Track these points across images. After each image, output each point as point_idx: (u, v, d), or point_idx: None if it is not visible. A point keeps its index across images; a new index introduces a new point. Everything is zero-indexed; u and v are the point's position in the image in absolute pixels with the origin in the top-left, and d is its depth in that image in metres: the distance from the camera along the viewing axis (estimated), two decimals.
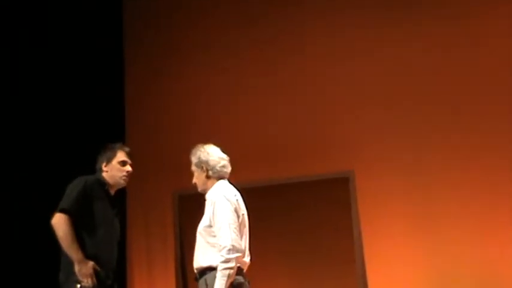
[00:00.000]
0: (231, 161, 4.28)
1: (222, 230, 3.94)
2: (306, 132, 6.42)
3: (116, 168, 4.31)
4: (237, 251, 3.90)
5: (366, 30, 6.48)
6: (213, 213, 4.02)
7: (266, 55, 6.69)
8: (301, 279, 6.15)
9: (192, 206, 5.92)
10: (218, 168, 4.20)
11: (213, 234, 4.00)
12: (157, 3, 7.12)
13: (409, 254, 6.00)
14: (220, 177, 4.20)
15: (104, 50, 6.61)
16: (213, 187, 4.17)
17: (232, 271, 3.86)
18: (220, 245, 3.91)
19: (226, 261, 3.86)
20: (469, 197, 5.93)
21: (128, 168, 4.35)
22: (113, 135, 5.71)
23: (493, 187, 5.90)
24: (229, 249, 3.88)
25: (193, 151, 4.26)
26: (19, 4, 6.18)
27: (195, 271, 4.09)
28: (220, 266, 3.86)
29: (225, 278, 3.83)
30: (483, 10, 6.22)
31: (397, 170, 6.17)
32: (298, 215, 6.25)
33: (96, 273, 3.98)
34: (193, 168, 4.25)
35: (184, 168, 4.52)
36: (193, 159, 4.24)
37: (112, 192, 4.35)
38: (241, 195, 4.18)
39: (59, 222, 3.98)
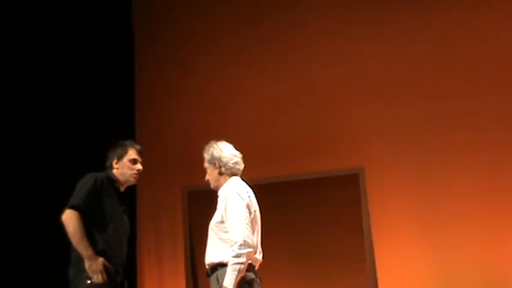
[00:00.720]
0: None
1: (234, 226, 3.95)
2: (315, 129, 6.42)
3: (126, 166, 4.32)
4: (249, 246, 3.90)
5: (374, 27, 6.48)
6: (225, 209, 4.04)
7: (275, 51, 6.70)
8: (311, 276, 6.14)
9: (201, 203, 5.97)
10: (231, 165, 4.21)
11: (225, 230, 4.01)
12: (167, 2, 7.12)
13: (419, 251, 6.00)
14: (233, 174, 4.22)
15: (113, 48, 6.63)
16: (225, 184, 4.18)
17: (242, 266, 3.86)
18: (232, 241, 3.92)
19: (237, 256, 3.87)
20: (480, 194, 5.92)
21: (139, 166, 4.36)
22: (123, 132, 5.73)
23: (503, 185, 5.88)
24: (241, 244, 3.89)
25: (206, 148, 4.28)
26: (27, 4, 6.20)
27: (207, 267, 4.11)
28: (231, 261, 3.87)
29: (235, 273, 3.84)
30: (489, 8, 6.21)
31: (406, 166, 6.16)
32: (308, 212, 6.25)
33: (106, 269, 3.98)
34: (206, 165, 4.26)
35: (193, 165, 4.54)
36: (206, 156, 4.25)
37: (122, 189, 4.36)
38: (253, 191, 4.19)
39: (69, 218, 3.99)
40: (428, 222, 6.02)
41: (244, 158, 4.30)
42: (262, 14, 6.80)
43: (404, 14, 6.43)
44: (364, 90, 6.40)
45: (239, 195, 4.04)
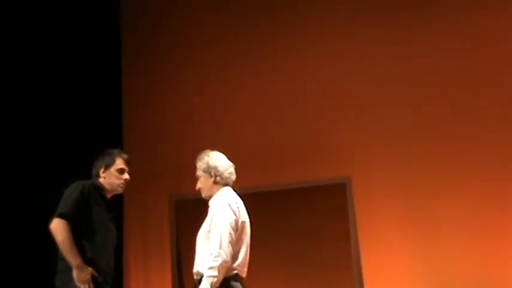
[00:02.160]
0: None
1: (214, 237, 3.96)
2: (303, 138, 6.42)
3: (114, 176, 4.30)
4: (224, 259, 3.89)
5: (363, 39, 6.49)
6: (211, 219, 4.04)
7: (266, 62, 6.68)
8: (298, 284, 6.14)
9: (188, 212, 5.98)
10: (226, 175, 4.22)
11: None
12: (155, 5, 7.10)
13: (406, 260, 6.00)
14: (226, 184, 4.23)
15: (101, 54, 6.60)
16: (217, 193, 4.18)
17: (215, 279, 3.86)
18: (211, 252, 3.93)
19: (210, 267, 3.88)
20: (468, 203, 5.93)
21: (126, 176, 4.34)
22: (111, 140, 5.71)
23: (494, 193, 5.89)
24: (216, 256, 3.89)
25: (200, 156, 4.28)
26: (16, 3, 6.17)
27: (194, 276, 4.10)
28: (206, 273, 3.89)
29: (208, 286, 3.85)
30: (489, 12, 6.23)
31: (394, 176, 6.17)
32: (296, 221, 6.25)
33: (93, 278, 3.97)
34: (200, 173, 4.25)
35: (182, 174, 4.53)
36: (201, 165, 4.25)
37: (108, 196, 4.34)
38: (243, 201, 4.20)
39: (58, 227, 3.97)
40: (415, 231, 6.03)
41: (234, 167, 4.31)
42: (255, 21, 6.78)
43: (396, 22, 6.43)
44: (352, 100, 6.41)
45: (229, 207, 4.04)
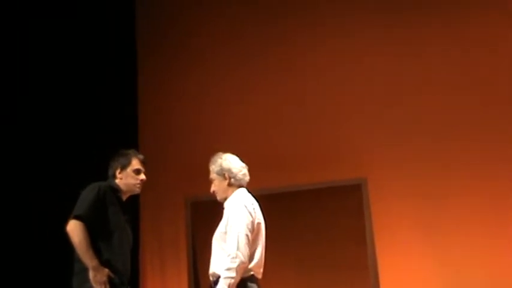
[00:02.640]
0: None
1: (230, 238, 3.96)
2: (318, 139, 6.43)
3: (130, 176, 4.30)
4: (241, 260, 3.89)
5: (373, 38, 6.49)
6: (227, 221, 4.04)
7: (281, 61, 6.69)
8: (314, 285, 6.16)
9: (204, 213, 5.98)
10: (240, 176, 4.21)
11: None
12: (169, 7, 7.11)
13: (422, 260, 6.00)
14: (241, 186, 4.22)
15: (117, 56, 6.62)
16: (232, 195, 4.18)
17: (232, 280, 3.86)
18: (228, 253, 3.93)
19: (228, 269, 3.88)
20: (484, 204, 5.92)
21: (142, 176, 4.34)
22: (126, 141, 5.72)
23: (507, 194, 5.87)
24: (233, 257, 3.89)
25: (213, 159, 4.27)
26: (29, 3, 6.21)
27: (210, 277, 4.10)
28: (223, 274, 3.89)
29: (225, 287, 3.85)
30: (490, 12, 6.25)
31: (409, 176, 6.16)
32: (311, 222, 6.27)
33: (110, 280, 3.98)
34: (214, 176, 4.25)
35: (197, 175, 4.52)
36: (214, 167, 4.24)
37: (124, 198, 4.35)
38: (258, 202, 4.19)
39: (74, 229, 3.98)
40: (430, 231, 6.03)
41: (249, 168, 4.30)
42: (266, 23, 6.78)
43: (410, 20, 6.44)
44: (366, 101, 6.42)
45: (245, 208, 4.04)
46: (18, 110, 6.00)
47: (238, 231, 3.96)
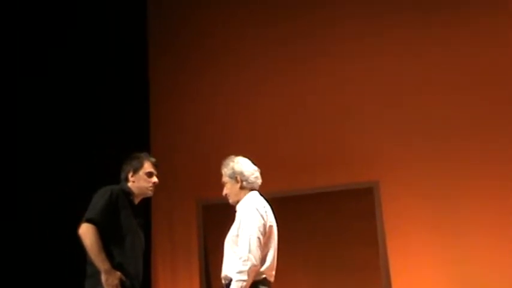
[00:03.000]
0: None
1: (242, 241, 3.95)
2: (330, 142, 6.42)
3: (142, 179, 4.31)
4: (253, 263, 3.88)
5: (382, 38, 6.47)
6: (239, 224, 4.04)
7: (292, 65, 6.66)
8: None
9: (216, 216, 5.97)
10: (252, 179, 4.21)
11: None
12: (180, 7, 7.10)
13: (434, 263, 5.97)
14: (253, 189, 4.22)
15: (128, 59, 6.62)
16: (244, 198, 4.17)
17: (244, 283, 3.85)
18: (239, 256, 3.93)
19: (239, 272, 3.87)
20: (497, 205, 5.90)
21: (155, 179, 4.35)
22: (138, 143, 5.73)
23: None
24: (245, 260, 3.88)
25: (225, 162, 4.27)
26: (39, 4, 6.23)
27: (222, 280, 4.10)
28: (234, 277, 3.88)
29: None
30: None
31: (421, 179, 6.15)
32: (324, 225, 6.26)
33: (122, 283, 3.98)
34: (226, 179, 4.24)
35: (208, 178, 4.52)
36: (226, 171, 4.24)
37: (136, 201, 4.36)
38: (270, 205, 4.18)
39: (87, 232, 3.99)
40: (443, 233, 6.01)
41: (261, 171, 4.29)
42: (277, 24, 6.76)
43: (414, 22, 6.43)
44: (378, 104, 6.40)
45: (257, 211, 4.04)
46: (26, 111, 6.03)
47: (250, 234, 3.95)
